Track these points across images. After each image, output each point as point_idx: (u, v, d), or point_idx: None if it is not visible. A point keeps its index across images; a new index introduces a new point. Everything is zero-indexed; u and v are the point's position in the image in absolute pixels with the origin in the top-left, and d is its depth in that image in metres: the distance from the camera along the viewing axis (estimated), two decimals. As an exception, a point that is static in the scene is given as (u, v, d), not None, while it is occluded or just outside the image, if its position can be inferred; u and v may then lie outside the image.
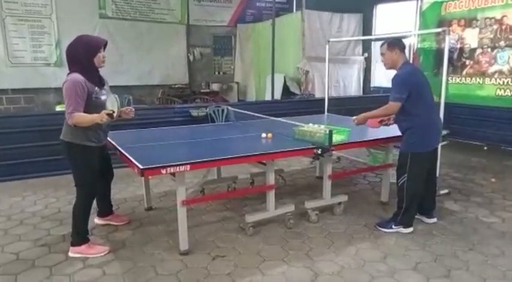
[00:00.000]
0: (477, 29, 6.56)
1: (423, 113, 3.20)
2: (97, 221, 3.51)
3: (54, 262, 2.90)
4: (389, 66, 3.30)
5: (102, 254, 2.98)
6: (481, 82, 6.58)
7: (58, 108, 7.00)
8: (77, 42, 2.82)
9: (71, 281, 2.66)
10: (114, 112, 2.78)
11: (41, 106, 8.19)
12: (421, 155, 3.24)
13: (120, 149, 3.16)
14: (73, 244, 3.00)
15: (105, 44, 2.90)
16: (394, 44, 3.25)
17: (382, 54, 3.33)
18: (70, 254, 2.99)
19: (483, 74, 6.53)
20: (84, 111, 2.77)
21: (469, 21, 6.67)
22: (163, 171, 2.67)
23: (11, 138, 4.82)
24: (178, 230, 2.99)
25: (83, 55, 2.78)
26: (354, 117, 3.54)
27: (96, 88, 2.87)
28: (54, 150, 4.68)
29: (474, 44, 6.64)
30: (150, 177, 3.84)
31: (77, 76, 2.75)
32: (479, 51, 6.58)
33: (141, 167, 2.63)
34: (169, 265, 2.86)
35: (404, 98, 3.12)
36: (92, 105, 2.81)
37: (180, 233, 2.99)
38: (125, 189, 4.53)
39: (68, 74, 2.81)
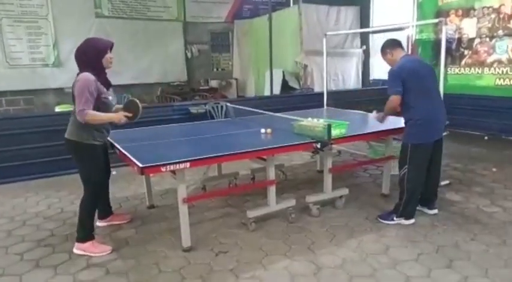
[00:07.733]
0: (475, 19, 6.54)
1: (422, 103, 3.22)
2: (99, 224, 3.49)
3: (58, 262, 2.92)
4: (392, 66, 3.42)
5: (106, 254, 3.00)
6: (480, 72, 6.57)
7: (57, 109, 7.00)
8: (85, 44, 2.93)
9: (75, 280, 2.68)
10: (133, 115, 2.95)
11: (41, 107, 8.17)
12: (422, 146, 3.25)
13: (119, 147, 3.17)
14: (78, 240, 3.04)
15: (111, 46, 3.00)
16: (384, 47, 3.47)
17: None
18: (74, 250, 3.02)
19: (482, 64, 6.52)
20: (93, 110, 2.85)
21: (466, 11, 6.64)
22: (163, 169, 2.68)
23: (11, 140, 4.83)
24: (180, 227, 3.01)
25: (91, 57, 2.88)
26: (375, 117, 3.67)
27: (105, 88, 2.96)
28: (55, 150, 4.71)
29: (472, 34, 6.62)
30: (150, 175, 3.84)
31: (89, 75, 2.83)
32: (477, 41, 6.56)
33: (140, 165, 2.63)
34: (173, 262, 2.87)
35: (401, 91, 3.22)
36: (101, 104, 2.90)
37: (182, 230, 3.00)
38: (127, 187, 4.54)
39: (78, 74, 2.88)
